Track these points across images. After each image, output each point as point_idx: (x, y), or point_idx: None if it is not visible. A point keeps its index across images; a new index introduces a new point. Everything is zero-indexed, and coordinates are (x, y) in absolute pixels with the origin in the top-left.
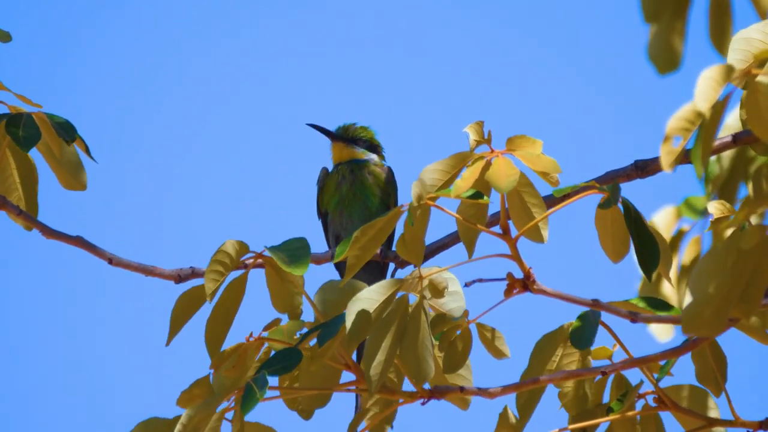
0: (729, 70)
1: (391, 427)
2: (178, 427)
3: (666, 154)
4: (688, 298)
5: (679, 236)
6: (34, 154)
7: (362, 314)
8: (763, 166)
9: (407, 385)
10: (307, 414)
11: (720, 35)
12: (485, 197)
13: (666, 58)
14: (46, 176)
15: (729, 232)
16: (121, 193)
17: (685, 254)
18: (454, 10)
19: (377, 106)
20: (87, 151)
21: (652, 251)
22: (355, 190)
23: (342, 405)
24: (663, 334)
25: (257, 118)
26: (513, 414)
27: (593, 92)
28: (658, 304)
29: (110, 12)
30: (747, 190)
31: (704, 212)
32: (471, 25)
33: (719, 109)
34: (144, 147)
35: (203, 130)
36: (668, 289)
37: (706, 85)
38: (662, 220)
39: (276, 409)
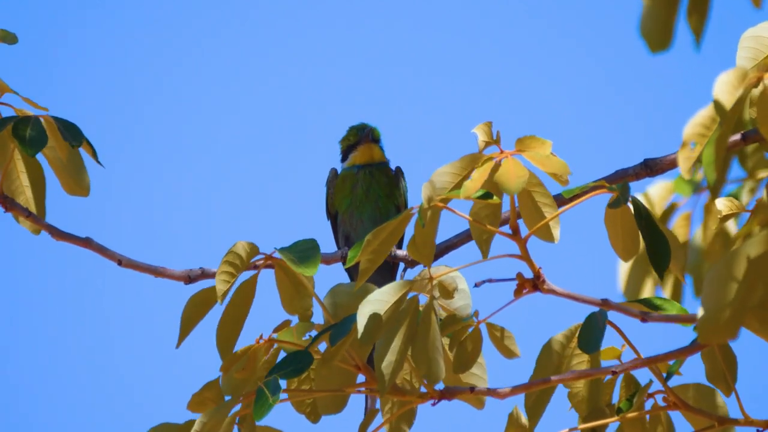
0: (744, 73)
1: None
2: None
3: (684, 160)
4: (701, 309)
5: (670, 210)
6: (39, 159)
7: (373, 317)
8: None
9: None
10: (315, 417)
11: (697, 15)
12: (495, 197)
13: (658, 36)
14: (52, 180)
15: (733, 227)
16: (128, 195)
17: (673, 230)
18: (460, 9)
19: (381, 106)
20: (94, 154)
21: (663, 249)
22: (369, 193)
23: (351, 406)
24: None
25: (264, 120)
26: (522, 414)
27: (601, 91)
28: (664, 305)
29: (122, 11)
30: (741, 170)
31: (696, 189)
32: (477, 25)
33: (734, 113)
34: (151, 149)
35: (211, 132)
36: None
37: (723, 90)
38: (655, 194)
39: (285, 412)
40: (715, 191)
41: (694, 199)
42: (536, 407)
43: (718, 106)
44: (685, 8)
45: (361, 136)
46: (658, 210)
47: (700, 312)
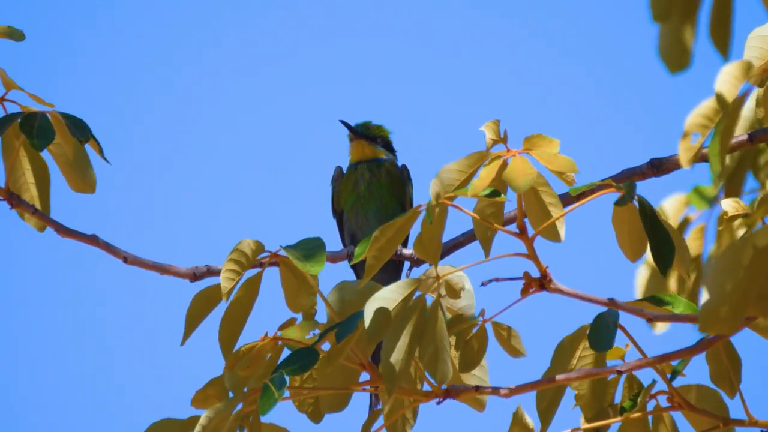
0: (748, 66)
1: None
2: (198, 429)
3: (684, 151)
4: (704, 297)
5: (684, 224)
6: (45, 156)
7: (381, 311)
8: None
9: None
10: (317, 417)
11: (721, 33)
12: (503, 196)
13: (676, 57)
14: (58, 177)
15: (741, 230)
16: (134, 192)
17: (687, 242)
18: (469, 7)
19: (390, 102)
20: (100, 151)
21: (667, 248)
22: (372, 189)
23: (356, 405)
24: (659, 325)
25: (270, 118)
26: (526, 414)
27: (608, 90)
28: (671, 301)
29: (128, 10)
30: (755, 181)
31: (712, 202)
32: (485, 23)
33: (738, 105)
34: (157, 146)
35: (218, 130)
36: (674, 286)
37: (725, 81)
38: (670, 208)
39: (289, 411)
40: (719, 182)
41: (708, 212)
42: (548, 410)
43: (720, 97)
44: (702, 24)
45: (353, 134)
46: (672, 224)
47: (702, 301)
